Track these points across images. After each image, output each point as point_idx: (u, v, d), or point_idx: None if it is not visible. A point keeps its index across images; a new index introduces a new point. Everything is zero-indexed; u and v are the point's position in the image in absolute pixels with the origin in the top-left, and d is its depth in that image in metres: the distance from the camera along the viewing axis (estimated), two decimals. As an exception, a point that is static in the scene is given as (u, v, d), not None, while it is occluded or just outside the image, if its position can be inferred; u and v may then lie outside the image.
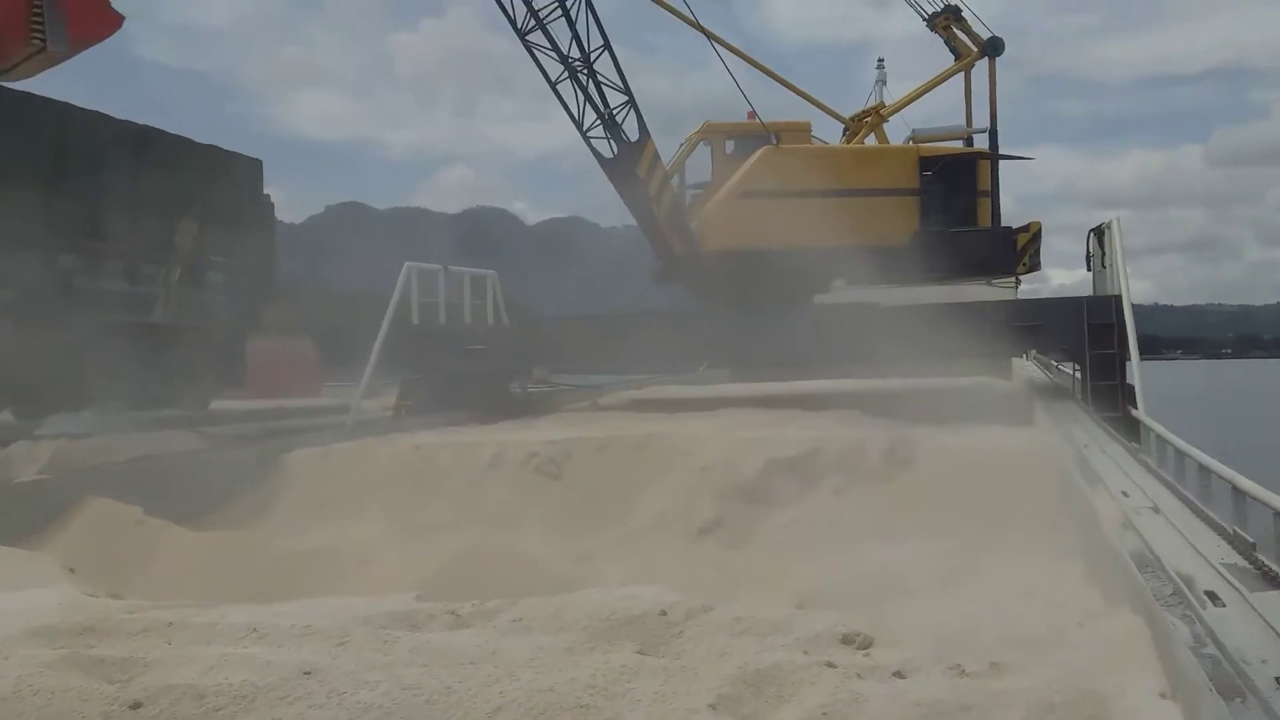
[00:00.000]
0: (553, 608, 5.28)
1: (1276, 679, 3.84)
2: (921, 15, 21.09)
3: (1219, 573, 5.45)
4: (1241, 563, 5.79)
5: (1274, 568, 5.75)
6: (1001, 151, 20.57)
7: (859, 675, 4.27)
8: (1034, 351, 24.45)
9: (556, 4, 16.79)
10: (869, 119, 21.84)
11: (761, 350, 18.76)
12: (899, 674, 4.32)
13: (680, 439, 12.72)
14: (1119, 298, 16.79)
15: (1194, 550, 6.01)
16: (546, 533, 10.64)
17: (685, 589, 6.00)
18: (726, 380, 23.77)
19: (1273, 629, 4.46)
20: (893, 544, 9.21)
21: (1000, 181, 20.49)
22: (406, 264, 18.95)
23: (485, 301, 21.29)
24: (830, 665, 4.33)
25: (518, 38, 16.99)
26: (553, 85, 17.30)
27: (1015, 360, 25.10)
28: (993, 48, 20.75)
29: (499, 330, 21.18)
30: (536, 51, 17.11)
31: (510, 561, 8.86)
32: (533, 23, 16.89)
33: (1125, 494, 7.98)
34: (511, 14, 16.94)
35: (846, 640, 4.78)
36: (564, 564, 9.44)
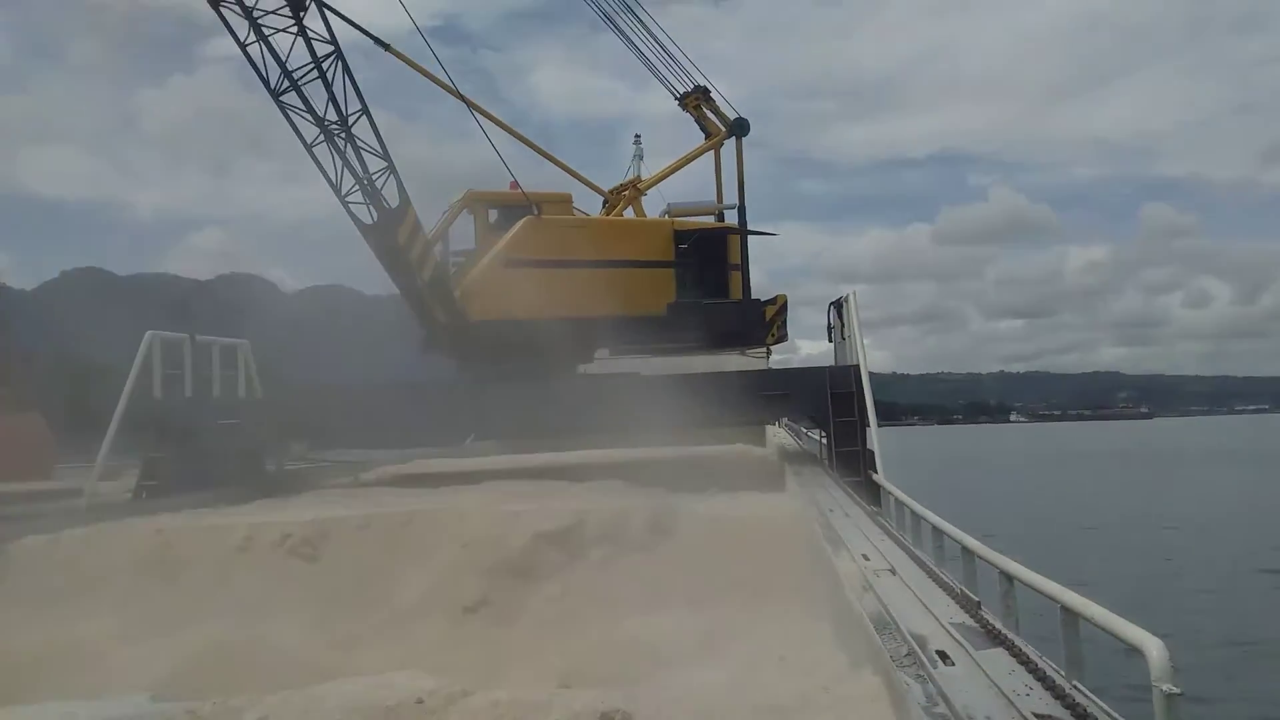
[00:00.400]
0: (302, 702, 5.04)
1: (998, 733, 4.16)
2: (674, 94, 22.05)
3: (949, 632, 5.85)
4: (969, 621, 6.25)
5: (997, 625, 6.24)
6: (750, 227, 21.59)
7: (617, 756, 4.30)
8: (785, 419, 25.64)
9: (312, 65, 16.37)
10: (627, 192, 22.49)
11: (527, 420, 18.75)
12: (658, 751, 4.38)
13: (445, 515, 12.48)
14: (857, 367, 17.93)
15: (926, 610, 6.44)
16: (302, 620, 10.12)
17: (448, 672, 5.87)
18: (493, 452, 23.58)
19: (995, 685, 4.83)
20: (655, 614, 9.34)
21: (750, 256, 21.49)
22: (148, 333, 17.84)
23: (236, 372, 20.30)
24: (589, 747, 4.33)
25: (271, 98, 16.50)
26: (309, 148, 16.79)
27: (769, 427, 26.22)
28: (739, 128, 21.89)
29: (252, 403, 20.20)
30: (291, 113, 16.62)
31: (258, 653, 8.36)
32: (287, 84, 16.41)
33: (866, 557, 8.45)
34: (265, 74, 16.42)
35: (606, 718, 4.81)
36: (320, 652, 9.00)
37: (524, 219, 19.70)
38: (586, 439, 21.86)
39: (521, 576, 11.05)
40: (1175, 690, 4.32)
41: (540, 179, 20.92)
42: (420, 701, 4.95)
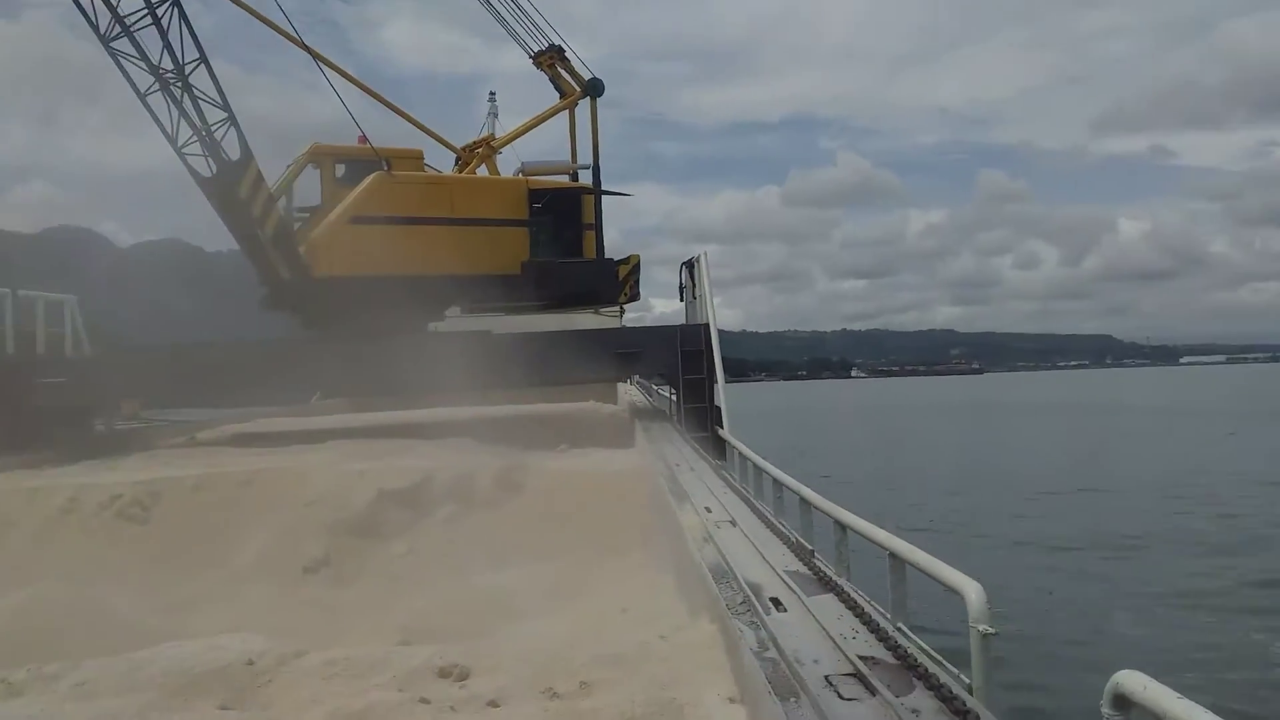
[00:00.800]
0: (124, 667, 4.84)
1: (826, 677, 4.31)
2: (528, 52, 21.75)
3: (783, 580, 6.04)
4: (803, 569, 6.46)
5: (829, 572, 6.48)
6: (604, 187, 21.60)
7: (453, 708, 4.31)
8: (637, 377, 25.89)
9: (145, 10, 15.50)
10: (480, 150, 22.16)
11: (376, 379, 18.40)
12: (493, 703, 4.40)
13: (286, 474, 12.18)
14: (707, 326, 18.24)
15: (763, 560, 6.63)
16: (131, 583, 9.70)
17: (284, 634, 5.74)
18: (341, 410, 23.03)
19: (824, 630, 5.00)
20: (502, 570, 9.36)
21: (604, 215, 21.53)
22: (-35, 288, 16.75)
23: (63, 329, 19.22)
24: (424, 701, 4.32)
25: (102, 45, 15.54)
26: (142, 98, 15.94)
27: (620, 385, 26.43)
28: (593, 88, 21.78)
29: (80, 361, 19.19)
30: (124, 60, 15.70)
31: (82, 617, 7.98)
32: (119, 29, 15.49)
33: (708, 509, 8.64)
34: (94, 18, 15.45)
35: (444, 673, 4.79)
36: (150, 616, 8.64)
37: (373, 174, 19.22)
38: (436, 397, 21.63)
39: (366, 535, 10.90)
40: (990, 630, 4.59)
41: (391, 134, 20.46)
42: (250, 663, 4.82)
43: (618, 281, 21.10)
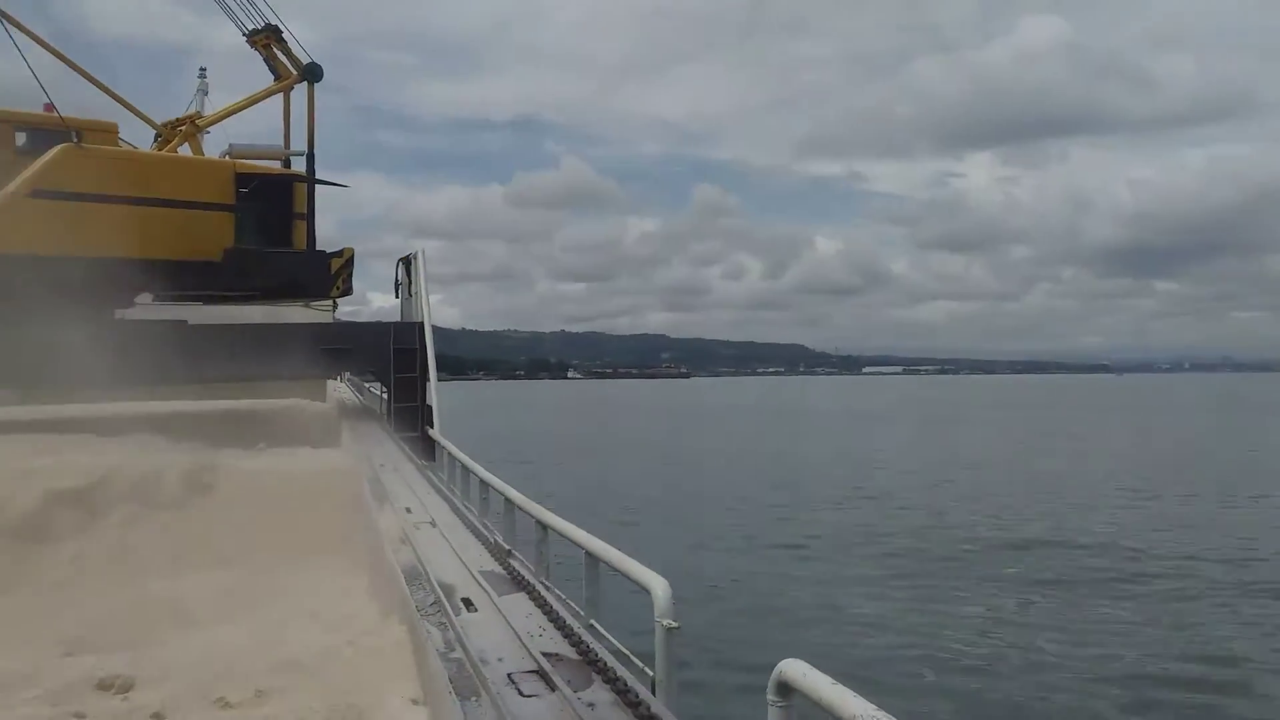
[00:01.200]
0: None
1: (509, 675, 4.39)
2: (241, 30, 20.60)
3: (477, 580, 6.09)
4: (499, 569, 6.53)
5: (524, 572, 6.58)
6: (320, 175, 20.79)
7: (111, 723, 4.04)
8: (348, 374, 25.14)
9: None
10: (184, 128, 20.73)
11: (54, 368, 16.81)
12: (158, 715, 4.18)
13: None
14: (422, 324, 17.99)
15: (459, 561, 6.64)
16: None
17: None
18: (13, 403, 20.90)
19: (512, 629, 5.09)
20: (182, 575, 8.84)
21: (317, 205, 20.73)
22: None
23: None
24: (78, 716, 4.03)
25: None
26: None
27: (330, 382, 25.59)
28: (311, 73, 20.90)
29: None
30: None
31: None
32: None
33: (409, 510, 8.56)
34: None
35: (104, 686, 4.49)
36: None
37: (60, 146, 17.56)
38: (124, 390, 20.09)
39: (29, 539, 9.95)
40: (674, 624, 4.79)
41: (84, 104, 18.76)
42: (-127, 682, 4.32)
43: (330, 275, 20.34)
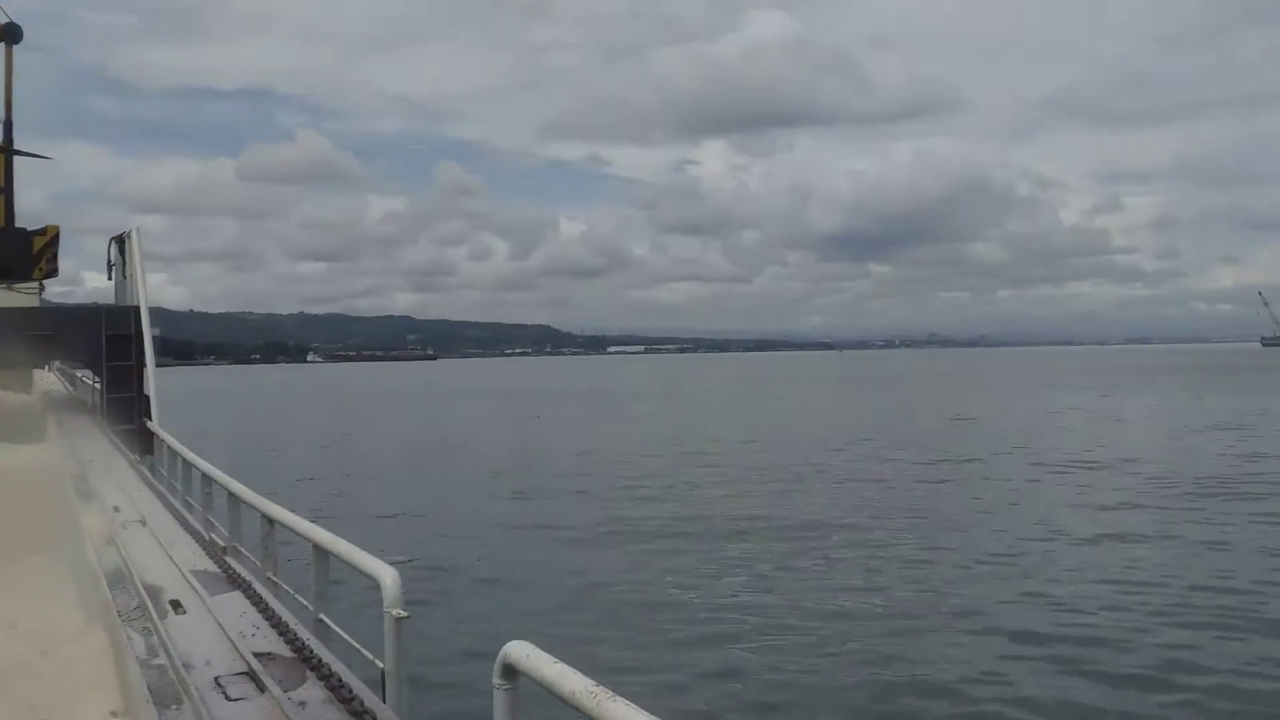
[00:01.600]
0: None
1: (216, 679, 4.26)
2: (-78, -17, 18.58)
3: (187, 580, 5.85)
4: (213, 567, 6.29)
5: (240, 569, 6.36)
6: (18, 146, 19.12)
7: None
8: (58, 363, 23.24)
9: None
10: None
11: None
12: None
13: None
14: (138, 308, 16.86)
15: (170, 560, 6.36)
16: None
17: None
18: None
19: (223, 630, 4.93)
20: None
21: (16, 178, 19.07)
22: None
23: None
24: None
25: None
26: None
27: (38, 372, 23.57)
28: (9, 34, 19.16)
29: None
30: None
31: None
32: None
33: (117, 509, 8.08)
34: None
35: None
36: None
37: None
38: None
39: None
40: (403, 614, 4.76)
41: None
42: None
43: (32, 254, 18.72)
